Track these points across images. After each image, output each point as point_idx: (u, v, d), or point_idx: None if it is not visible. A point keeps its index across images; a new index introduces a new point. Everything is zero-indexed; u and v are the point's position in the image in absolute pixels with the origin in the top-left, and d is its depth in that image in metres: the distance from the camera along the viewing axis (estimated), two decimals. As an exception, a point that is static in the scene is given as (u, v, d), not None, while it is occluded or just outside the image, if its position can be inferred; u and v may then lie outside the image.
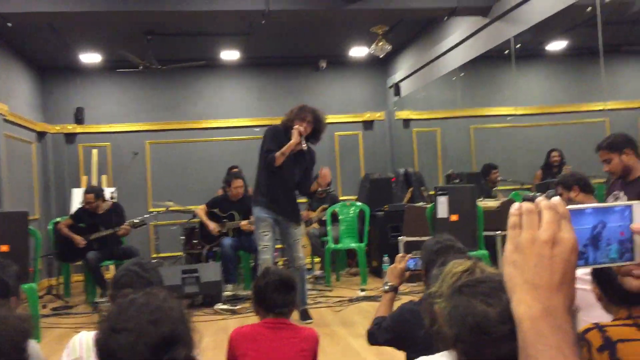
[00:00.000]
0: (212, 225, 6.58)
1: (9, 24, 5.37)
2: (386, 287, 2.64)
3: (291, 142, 4.59)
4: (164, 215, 7.66)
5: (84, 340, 2.20)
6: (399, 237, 5.91)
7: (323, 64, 8.81)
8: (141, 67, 7.15)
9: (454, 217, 5.26)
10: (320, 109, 4.81)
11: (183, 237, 7.20)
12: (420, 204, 6.85)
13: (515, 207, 0.78)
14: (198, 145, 8.71)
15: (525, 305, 0.74)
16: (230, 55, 8.23)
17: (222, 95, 8.86)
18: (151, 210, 7.82)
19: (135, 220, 6.55)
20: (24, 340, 1.35)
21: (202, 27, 7.04)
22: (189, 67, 7.82)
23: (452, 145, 8.60)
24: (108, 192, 6.99)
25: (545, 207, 0.77)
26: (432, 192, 6.25)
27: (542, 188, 6.07)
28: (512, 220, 0.78)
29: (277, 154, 4.59)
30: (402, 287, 2.80)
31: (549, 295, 0.74)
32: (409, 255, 2.64)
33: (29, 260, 5.42)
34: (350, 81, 9.16)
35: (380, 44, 7.12)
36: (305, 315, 4.90)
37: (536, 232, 0.76)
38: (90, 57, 7.87)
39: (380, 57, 7.71)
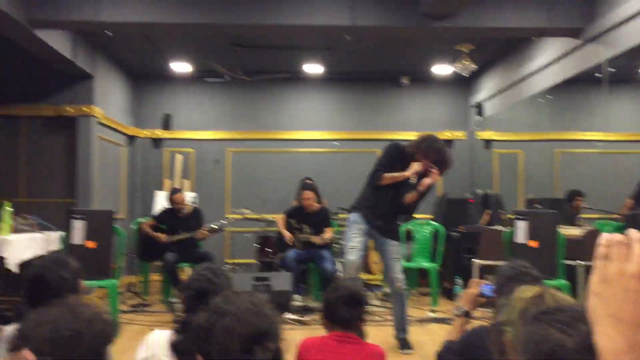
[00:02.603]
0: (288, 235, 6.67)
1: (109, 33, 5.69)
2: (458, 312, 2.58)
3: (405, 173, 4.40)
4: (240, 223, 7.83)
5: (158, 339, 2.29)
6: (474, 260, 5.77)
7: (405, 81, 8.78)
8: (227, 78, 7.39)
9: (533, 243, 5.09)
10: (448, 150, 4.55)
11: (257, 245, 7.33)
12: (498, 227, 6.67)
13: (604, 237, 0.76)
14: (277, 156, 8.87)
15: (608, 338, 0.72)
16: (313, 68, 8.36)
17: (303, 108, 9.00)
18: (228, 216, 8.02)
19: (213, 226, 6.74)
20: (105, 345, 1.38)
21: (288, 40, 7.19)
22: (274, 79, 7.99)
23: (534, 169, 8.33)
24: (189, 196, 7.23)
25: (637, 239, 0.74)
26: (510, 216, 6.06)
27: (630, 219, 5.76)
28: (600, 251, 0.76)
29: (387, 176, 4.44)
30: (476, 313, 2.73)
31: (634, 330, 0.71)
32: (484, 280, 2.58)
33: (113, 257, 5.69)
34: (432, 99, 9.08)
35: (466, 62, 7.03)
36: (405, 344, 4.59)
37: (625, 265, 0.73)
38: (181, 66, 8.21)
39: (464, 75, 7.61)
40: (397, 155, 4.54)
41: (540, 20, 5.65)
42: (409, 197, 4.47)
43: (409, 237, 7.03)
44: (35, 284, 2.28)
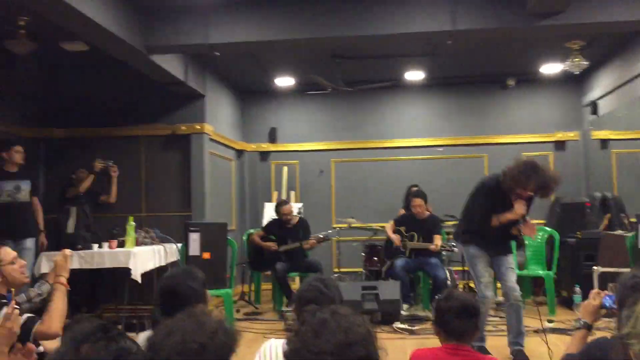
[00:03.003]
0: (396, 238, 6.71)
1: (217, 53, 5.98)
2: (578, 324, 2.46)
3: (509, 216, 4.38)
4: (346, 232, 7.90)
5: (274, 348, 2.37)
6: (593, 267, 5.46)
7: (511, 82, 8.50)
8: (329, 90, 7.51)
9: (660, 249, 4.74)
10: (551, 173, 4.33)
11: (363, 254, 7.36)
12: (619, 232, 6.26)
13: None
14: (381, 164, 8.87)
15: None
16: (414, 75, 8.29)
17: (405, 115, 8.95)
18: (334, 226, 8.11)
19: (320, 235, 6.86)
20: (229, 355, 1.44)
21: (388, 49, 7.19)
22: (375, 88, 8.02)
23: (659, 169, 7.75)
24: (296, 207, 7.40)
25: None
26: (633, 220, 5.68)
27: None
28: None
29: (495, 222, 4.41)
30: (598, 322, 2.59)
31: None
32: (605, 291, 2.44)
33: (226, 267, 5.94)
34: (541, 99, 8.72)
35: (576, 59, 6.69)
36: (520, 356, 4.47)
37: None
38: (284, 81, 8.44)
39: (576, 73, 7.24)
40: (494, 193, 4.44)
41: (658, 10, 5.27)
42: (514, 230, 4.53)
43: (522, 244, 6.76)
44: (167, 294, 2.45)
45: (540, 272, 6.55)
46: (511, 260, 4.59)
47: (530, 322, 5.87)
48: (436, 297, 2.58)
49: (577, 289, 6.06)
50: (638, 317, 1.40)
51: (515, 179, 4.24)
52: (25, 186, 5.81)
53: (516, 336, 4.51)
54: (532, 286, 7.18)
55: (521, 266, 6.64)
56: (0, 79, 6.40)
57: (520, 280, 6.73)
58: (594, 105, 8.03)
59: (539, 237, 6.75)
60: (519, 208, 4.32)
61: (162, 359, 1.35)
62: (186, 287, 2.44)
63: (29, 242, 5.77)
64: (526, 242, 6.75)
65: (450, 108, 8.85)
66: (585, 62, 6.77)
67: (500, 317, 6.04)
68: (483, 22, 5.49)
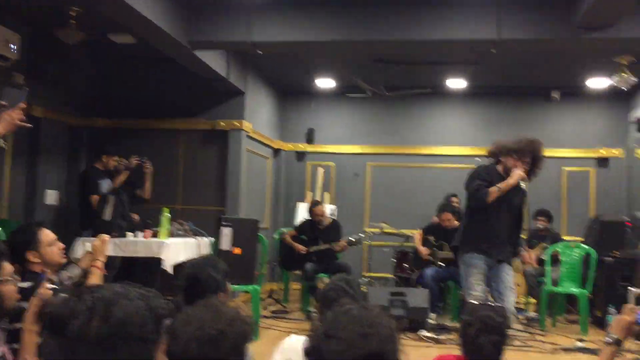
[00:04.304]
0: (424, 251, 6.66)
1: (259, 52, 6.03)
2: (608, 339, 2.40)
3: (510, 181, 4.32)
4: (378, 236, 7.87)
5: (294, 344, 2.37)
6: (630, 288, 5.30)
7: (556, 95, 8.34)
8: (369, 93, 7.49)
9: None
10: (540, 142, 4.46)
11: (394, 260, 7.31)
12: (660, 254, 6.08)
13: None
14: (417, 171, 8.80)
15: None
16: (456, 83, 8.21)
17: (444, 123, 8.87)
18: (366, 230, 8.09)
19: (351, 238, 6.84)
20: (245, 343, 1.45)
21: (431, 55, 7.14)
22: (415, 94, 7.97)
23: None
24: (329, 209, 7.41)
25: None
26: (675, 243, 5.49)
27: None
28: None
29: (492, 189, 4.31)
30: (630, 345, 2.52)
31: None
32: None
33: (256, 264, 5.98)
34: (585, 114, 8.53)
35: (625, 75, 6.52)
36: None
37: None
38: (325, 82, 8.46)
39: (623, 89, 7.05)
40: (489, 173, 4.46)
41: None
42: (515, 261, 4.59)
43: (556, 259, 6.63)
44: (190, 281, 2.50)
45: (575, 290, 6.41)
46: (511, 278, 4.42)
47: (560, 340, 5.76)
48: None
49: (612, 309, 5.90)
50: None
51: (511, 148, 4.36)
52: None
53: None
54: (565, 304, 7.02)
55: (555, 282, 6.50)
56: (52, 67, 6.59)
57: (554, 297, 6.61)
58: (640, 123, 7.81)
59: (576, 254, 6.59)
60: (518, 171, 4.30)
61: (181, 346, 1.37)
62: (208, 276, 2.48)
63: None
64: (561, 258, 6.61)
65: (491, 118, 8.72)
66: (634, 79, 6.59)
67: (529, 332, 5.94)
68: (529, 33, 5.40)
